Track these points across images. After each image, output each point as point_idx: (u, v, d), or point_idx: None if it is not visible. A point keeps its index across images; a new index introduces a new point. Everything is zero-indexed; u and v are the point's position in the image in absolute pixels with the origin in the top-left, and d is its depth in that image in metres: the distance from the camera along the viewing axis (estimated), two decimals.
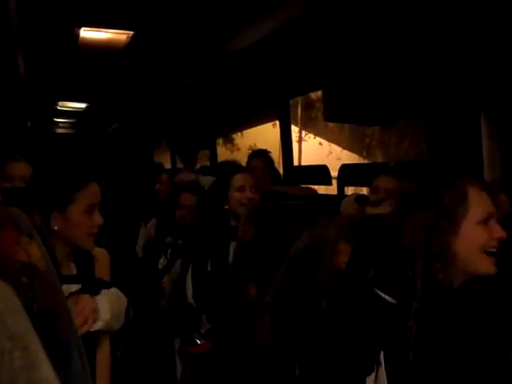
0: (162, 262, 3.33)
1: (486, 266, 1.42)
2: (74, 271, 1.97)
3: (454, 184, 1.49)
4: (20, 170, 2.93)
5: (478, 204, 1.44)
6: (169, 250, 3.32)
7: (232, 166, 2.92)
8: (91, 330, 1.81)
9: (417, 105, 2.87)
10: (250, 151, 4.04)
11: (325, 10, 2.30)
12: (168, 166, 6.87)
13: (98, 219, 1.94)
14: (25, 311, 0.47)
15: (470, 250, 1.43)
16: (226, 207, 2.70)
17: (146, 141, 7.79)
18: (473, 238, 1.43)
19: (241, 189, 2.71)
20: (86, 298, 1.77)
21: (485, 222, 1.43)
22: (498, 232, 1.42)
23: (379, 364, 1.41)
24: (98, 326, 1.84)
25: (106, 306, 1.85)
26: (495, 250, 1.43)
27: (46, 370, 0.44)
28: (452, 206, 1.45)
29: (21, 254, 0.89)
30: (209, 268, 2.62)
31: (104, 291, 1.91)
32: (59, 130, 9.24)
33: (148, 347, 3.22)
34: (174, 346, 2.82)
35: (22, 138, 7.83)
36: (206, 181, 3.18)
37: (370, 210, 2.38)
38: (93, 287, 1.94)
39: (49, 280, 0.91)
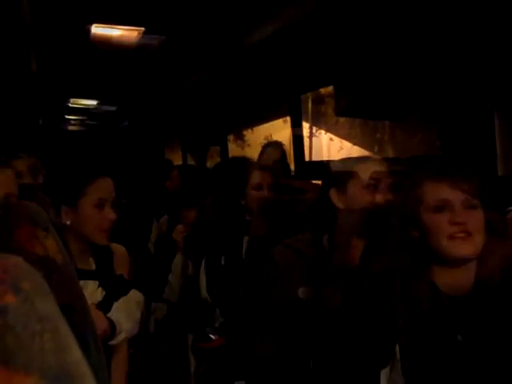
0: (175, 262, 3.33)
1: (455, 249, 1.43)
2: (93, 266, 1.98)
3: (414, 175, 1.55)
4: (19, 166, 2.96)
5: (430, 193, 1.47)
6: None
7: (248, 163, 2.91)
8: (116, 342, 1.83)
9: (428, 101, 2.85)
10: (265, 141, 4.03)
11: (336, 5, 2.29)
12: (179, 162, 6.86)
13: (109, 214, 1.92)
14: (50, 291, 0.48)
15: (436, 238, 1.45)
16: (243, 203, 2.70)
17: (156, 138, 7.80)
18: (431, 225, 1.45)
19: (258, 187, 2.69)
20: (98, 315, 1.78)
21: (439, 209, 1.44)
22: (454, 218, 1.43)
23: (395, 357, 1.42)
24: (122, 336, 1.85)
25: (125, 318, 1.85)
26: (461, 234, 1.42)
27: (76, 353, 0.44)
28: (409, 196, 1.51)
29: (38, 247, 0.90)
30: (222, 262, 2.62)
31: (121, 300, 1.91)
32: (70, 128, 9.27)
33: (161, 343, 3.23)
34: (188, 342, 2.83)
35: (34, 136, 7.88)
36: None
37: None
38: (112, 284, 1.95)
39: (66, 274, 0.91)
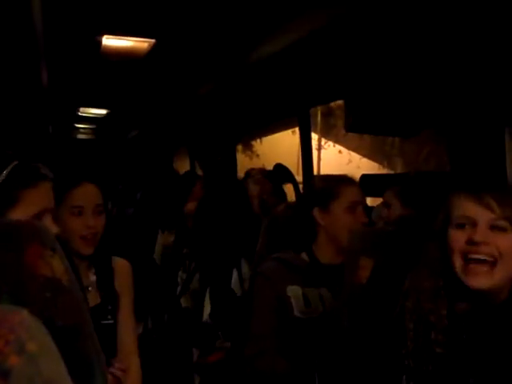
0: (180, 274, 3.31)
1: (467, 277, 1.32)
2: (92, 279, 1.97)
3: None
4: None
5: (456, 209, 1.39)
6: (187, 262, 3.30)
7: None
8: None
9: (438, 116, 2.84)
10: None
11: (347, 20, 2.29)
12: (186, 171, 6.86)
13: (87, 221, 1.90)
14: (57, 349, 0.46)
15: (452, 259, 1.36)
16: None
17: (165, 147, 7.82)
18: (449, 243, 1.37)
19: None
20: None
21: (460, 226, 1.36)
22: (472, 236, 1.34)
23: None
24: None
25: None
26: (476, 256, 1.32)
27: None
28: (440, 213, 1.45)
29: (44, 268, 0.89)
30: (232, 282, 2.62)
31: None
32: (80, 136, 9.29)
33: (166, 359, 3.21)
34: (192, 358, 2.81)
35: (44, 144, 7.91)
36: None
37: None
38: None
39: (72, 295, 0.90)
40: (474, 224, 1.33)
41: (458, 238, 1.35)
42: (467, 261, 1.33)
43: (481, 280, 1.31)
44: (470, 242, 1.32)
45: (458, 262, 1.34)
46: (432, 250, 1.42)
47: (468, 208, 1.36)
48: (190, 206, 3.52)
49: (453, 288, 1.39)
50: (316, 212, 2.15)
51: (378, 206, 2.94)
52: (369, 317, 1.52)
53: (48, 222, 1.52)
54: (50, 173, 2.73)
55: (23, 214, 1.53)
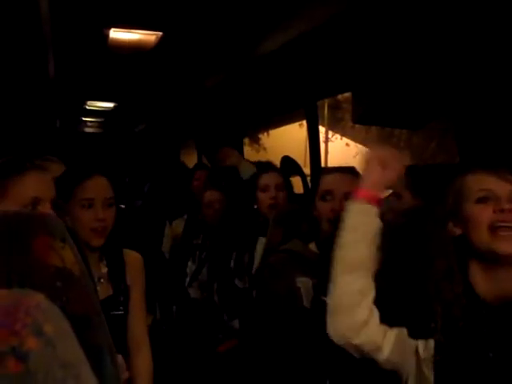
0: (190, 265, 3.32)
1: (498, 244, 1.34)
2: (104, 271, 1.98)
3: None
4: (54, 170, 2.88)
5: (473, 184, 1.42)
6: (197, 253, 3.31)
7: (260, 166, 2.92)
8: None
9: (447, 107, 2.83)
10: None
11: (354, 12, 2.28)
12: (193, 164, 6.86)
13: (97, 214, 1.91)
14: (73, 333, 0.46)
15: (477, 231, 1.37)
16: (255, 207, 2.72)
17: (172, 141, 7.82)
18: (472, 217, 1.39)
19: (265, 188, 2.71)
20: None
21: (482, 200, 1.38)
22: (499, 205, 1.37)
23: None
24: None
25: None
26: (507, 224, 1.34)
27: None
28: (450, 191, 1.47)
29: (55, 258, 0.89)
30: (232, 264, 2.64)
31: None
32: (87, 129, 9.29)
33: (175, 349, 3.23)
34: (201, 348, 2.82)
35: (51, 137, 7.92)
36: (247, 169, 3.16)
37: None
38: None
39: (83, 285, 0.91)
40: (496, 196, 1.37)
41: (482, 210, 1.37)
42: (495, 229, 1.34)
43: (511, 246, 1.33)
44: (500, 210, 1.35)
45: (484, 234, 1.36)
46: (442, 231, 1.43)
47: (489, 182, 1.39)
48: (208, 195, 3.49)
49: (467, 267, 1.41)
50: (313, 205, 2.16)
51: (387, 197, 2.94)
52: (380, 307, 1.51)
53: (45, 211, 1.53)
54: (57, 164, 2.73)
55: (12, 205, 1.54)
